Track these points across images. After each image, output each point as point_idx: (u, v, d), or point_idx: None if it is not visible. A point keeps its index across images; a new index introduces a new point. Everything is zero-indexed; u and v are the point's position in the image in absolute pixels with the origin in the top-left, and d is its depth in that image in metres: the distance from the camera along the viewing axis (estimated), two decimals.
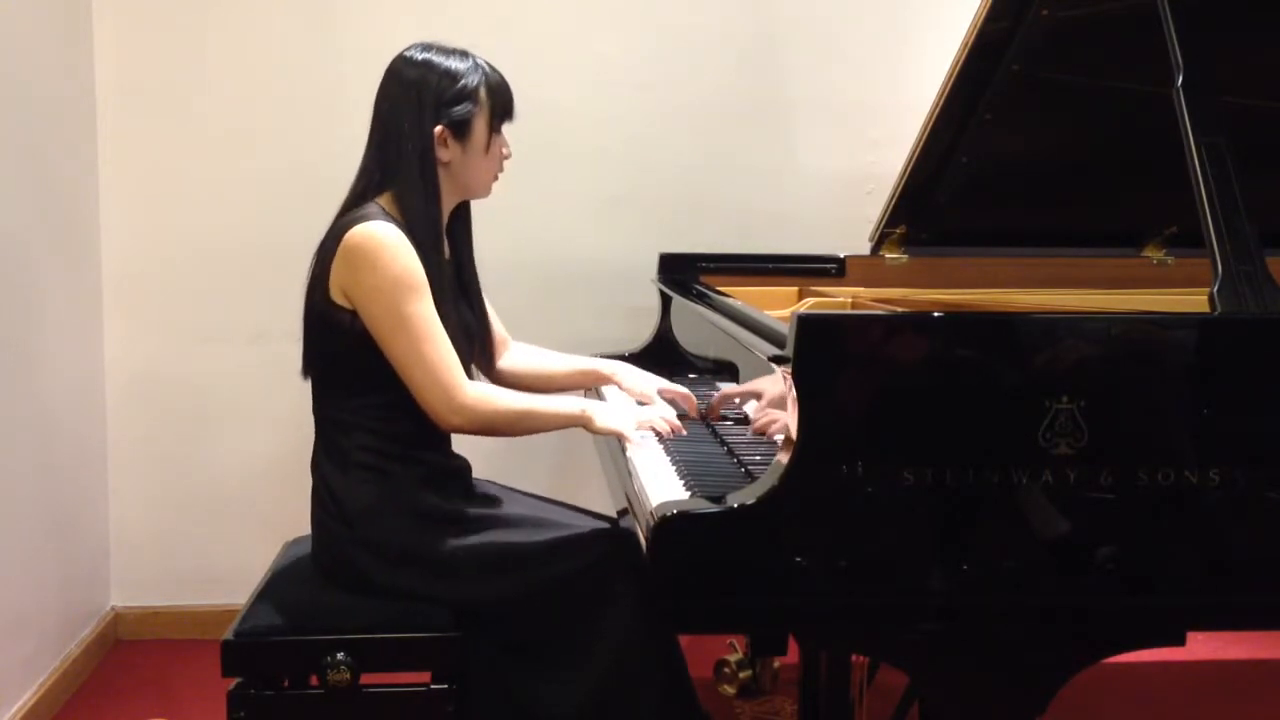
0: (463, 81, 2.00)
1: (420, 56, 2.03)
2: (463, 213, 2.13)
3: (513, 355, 2.29)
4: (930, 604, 1.58)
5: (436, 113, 1.98)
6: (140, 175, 3.07)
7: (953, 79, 2.37)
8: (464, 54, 2.04)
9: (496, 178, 2.10)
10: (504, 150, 2.09)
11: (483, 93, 2.02)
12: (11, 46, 2.60)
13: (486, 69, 2.04)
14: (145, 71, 3.05)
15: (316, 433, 2.04)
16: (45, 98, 2.78)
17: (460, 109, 1.99)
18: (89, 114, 3.03)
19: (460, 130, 2.00)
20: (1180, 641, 1.64)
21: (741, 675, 2.76)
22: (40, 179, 2.74)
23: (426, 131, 1.98)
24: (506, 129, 2.08)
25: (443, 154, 2.00)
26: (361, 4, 3.09)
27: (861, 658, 2.27)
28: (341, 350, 1.97)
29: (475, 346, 2.07)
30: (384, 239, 1.90)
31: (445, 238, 2.04)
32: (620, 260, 3.12)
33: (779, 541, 1.54)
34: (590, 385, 2.42)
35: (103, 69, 3.04)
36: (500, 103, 2.05)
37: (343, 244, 1.91)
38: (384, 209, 1.98)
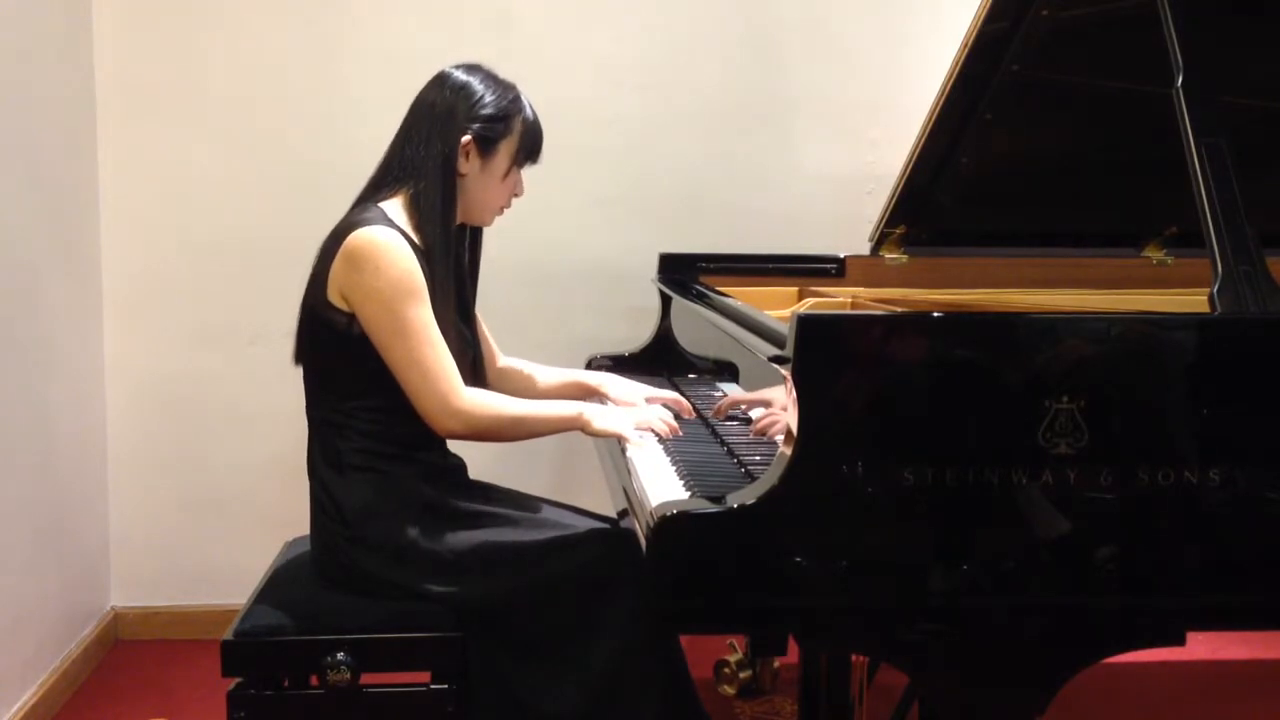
0: (504, 105, 2.04)
1: (471, 70, 2.06)
2: (475, 236, 2.15)
3: (500, 369, 2.29)
4: (930, 604, 1.58)
5: (470, 122, 2.00)
6: (140, 176, 3.07)
7: (953, 79, 2.37)
8: (512, 85, 2.07)
9: (502, 211, 2.12)
10: (517, 188, 2.11)
11: (518, 123, 2.05)
12: (11, 47, 2.60)
13: (529, 107, 2.07)
14: (145, 72, 3.05)
15: (310, 433, 2.04)
16: (45, 99, 2.78)
17: (492, 127, 2.02)
18: (89, 115, 3.03)
19: (485, 148, 2.02)
20: (1180, 641, 1.64)
21: (741, 675, 2.77)
22: (41, 180, 2.74)
23: (455, 136, 2.00)
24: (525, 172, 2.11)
25: (462, 165, 2.01)
26: (362, 4, 3.09)
27: (861, 658, 2.27)
28: (336, 352, 1.97)
29: (468, 362, 2.07)
30: (385, 243, 1.90)
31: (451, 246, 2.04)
32: (620, 260, 3.12)
33: (779, 541, 1.54)
34: (577, 397, 2.42)
35: (103, 69, 3.04)
36: (529, 142, 2.08)
37: (344, 247, 1.92)
38: (385, 213, 1.98)
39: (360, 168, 3.04)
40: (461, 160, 2.01)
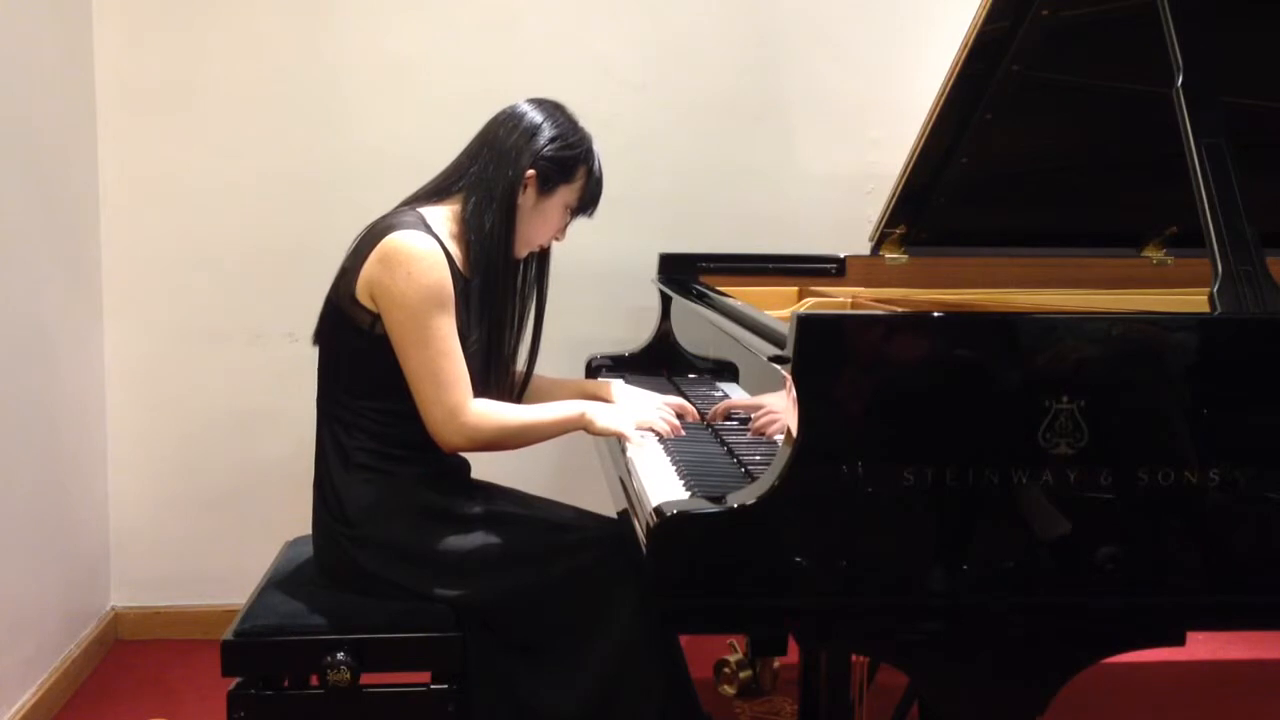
0: (576, 150, 2.05)
1: (556, 108, 2.08)
2: (542, 263, 2.16)
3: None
4: (930, 604, 1.58)
5: (538, 156, 2.01)
6: (140, 176, 3.07)
7: (953, 79, 2.37)
8: (588, 136, 2.09)
9: (539, 248, 2.13)
10: (560, 233, 2.12)
11: (581, 172, 2.07)
12: (12, 47, 2.60)
13: (598, 160, 2.09)
14: (145, 72, 3.05)
15: (319, 427, 2.04)
16: (45, 99, 2.78)
17: (558, 168, 2.03)
18: (89, 116, 3.02)
19: (545, 185, 2.03)
20: (1180, 641, 1.64)
21: (741, 675, 2.76)
22: (41, 180, 2.74)
23: (523, 165, 2.01)
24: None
25: (519, 195, 2.02)
26: (361, 5, 3.09)
27: (861, 658, 2.27)
28: (354, 349, 1.97)
29: (491, 382, 2.05)
30: (422, 250, 1.91)
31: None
32: (620, 260, 3.12)
33: (779, 541, 1.54)
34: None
35: (103, 70, 3.03)
36: (589, 194, 2.10)
37: (380, 246, 1.92)
38: (425, 219, 1.98)
39: (360, 169, 3.09)
40: (519, 190, 2.01)
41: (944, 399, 1.56)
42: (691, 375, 2.66)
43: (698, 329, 2.62)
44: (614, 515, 2.05)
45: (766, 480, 1.56)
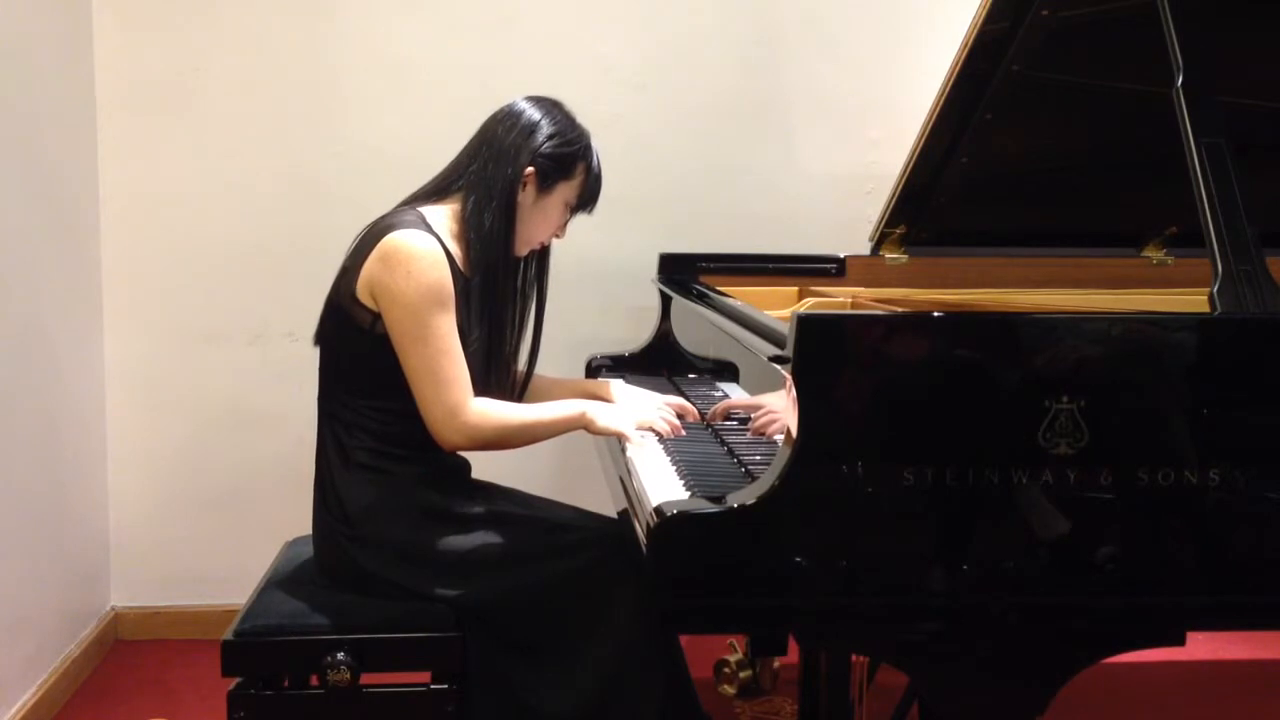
0: (574, 147, 2.06)
1: (553, 105, 2.08)
2: (542, 261, 2.16)
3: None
4: (930, 604, 1.58)
5: (536, 154, 2.02)
6: (140, 175, 3.07)
7: (953, 79, 2.37)
8: (586, 132, 2.09)
9: (539, 246, 2.13)
10: (560, 230, 2.12)
11: (580, 169, 2.07)
12: (11, 47, 2.60)
13: (596, 156, 2.09)
14: (145, 72, 3.05)
15: (320, 426, 2.05)
16: (45, 98, 2.78)
17: (556, 165, 2.03)
18: (89, 115, 3.02)
19: (545, 182, 2.04)
20: (1180, 641, 1.64)
21: (741, 675, 2.77)
22: (40, 179, 2.74)
23: (522, 162, 2.01)
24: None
25: (519, 194, 2.02)
26: (361, 5, 3.09)
27: (861, 658, 2.27)
28: (355, 348, 1.98)
29: (493, 380, 2.06)
30: (422, 249, 1.91)
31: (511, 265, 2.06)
32: (620, 260, 3.12)
33: (779, 541, 1.54)
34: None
35: (103, 70, 3.03)
36: (589, 191, 2.10)
37: (380, 246, 1.92)
38: (425, 218, 1.98)
39: (360, 169, 3.09)
40: (519, 188, 2.02)
41: (944, 399, 1.56)
42: (691, 375, 2.66)
43: (698, 329, 2.62)
44: (614, 515, 2.05)
45: (766, 480, 1.56)
